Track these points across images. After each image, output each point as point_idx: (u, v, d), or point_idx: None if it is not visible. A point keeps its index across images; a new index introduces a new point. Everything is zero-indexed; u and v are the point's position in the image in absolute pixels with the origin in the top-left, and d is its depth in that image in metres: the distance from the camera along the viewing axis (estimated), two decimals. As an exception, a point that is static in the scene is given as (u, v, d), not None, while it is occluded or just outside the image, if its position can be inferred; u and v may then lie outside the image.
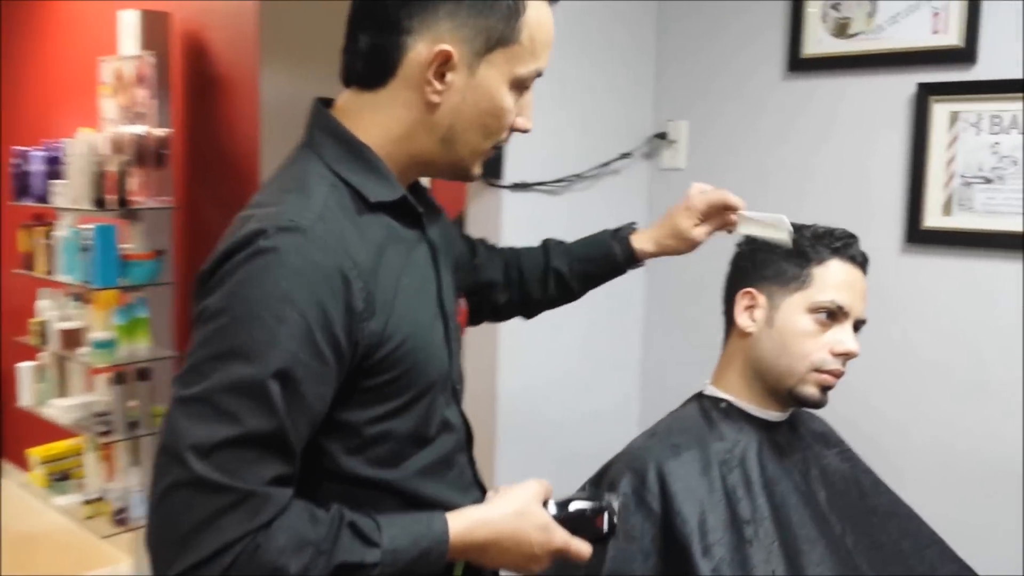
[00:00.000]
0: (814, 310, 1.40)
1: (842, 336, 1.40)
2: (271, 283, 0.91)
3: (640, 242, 1.47)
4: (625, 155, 2.41)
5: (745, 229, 1.42)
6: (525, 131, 1.12)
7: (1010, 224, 1.96)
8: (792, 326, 1.40)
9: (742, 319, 1.45)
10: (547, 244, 1.51)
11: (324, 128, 1.06)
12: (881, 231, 2.11)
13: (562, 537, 1.09)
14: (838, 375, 1.41)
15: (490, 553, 1.05)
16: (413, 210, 1.09)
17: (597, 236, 1.50)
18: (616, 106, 2.42)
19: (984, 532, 1.93)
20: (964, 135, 2.01)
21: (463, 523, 1.02)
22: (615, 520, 1.14)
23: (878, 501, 1.54)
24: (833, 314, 1.40)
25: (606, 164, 2.37)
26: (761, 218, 1.40)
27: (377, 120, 1.05)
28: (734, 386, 1.47)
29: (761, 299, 1.44)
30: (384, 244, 1.03)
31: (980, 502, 2.01)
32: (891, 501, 1.55)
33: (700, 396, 1.52)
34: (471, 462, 1.23)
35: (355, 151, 1.05)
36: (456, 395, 1.18)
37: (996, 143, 1.97)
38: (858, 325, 1.43)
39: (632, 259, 1.47)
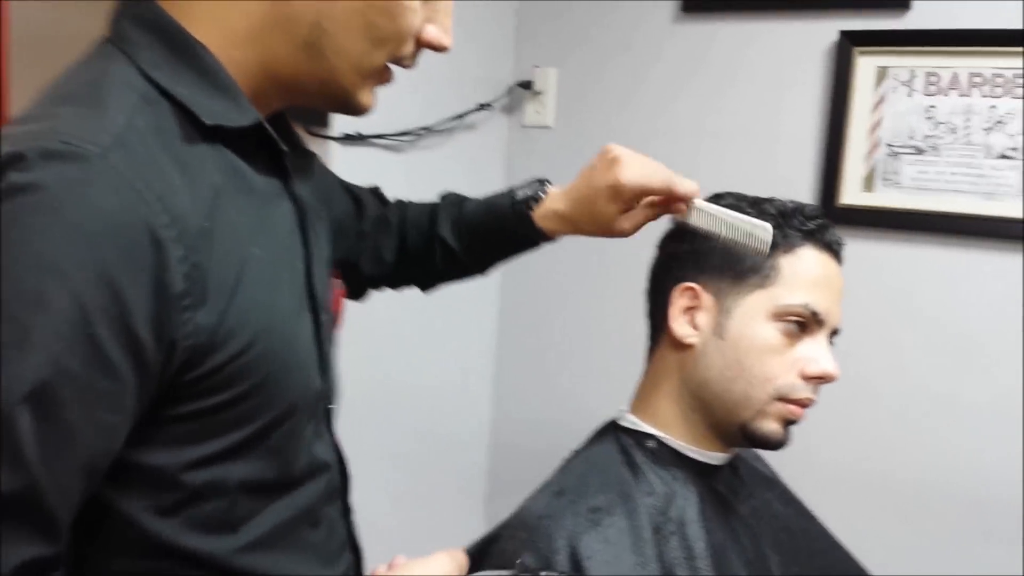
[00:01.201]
0: (780, 316, 1.01)
1: (816, 353, 1.02)
2: (24, 244, 0.61)
3: (547, 219, 1.06)
4: (483, 107, 1.96)
5: (700, 223, 1.00)
6: (440, 48, 0.80)
7: (944, 203, 1.65)
8: (750, 338, 1.01)
9: (680, 326, 1.04)
10: (437, 205, 1.14)
11: (139, 18, 0.74)
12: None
13: None
14: (807, 405, 1.03)
15: None
16: (273, 145, 0.77)
17: (496, 201, 1.10)
18: (472, 47, 1.95)
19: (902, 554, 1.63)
20: (893, 96, 1.68)
21: None
22: None
23: (827, 561, 1.18)
24: (805, 323, 1.01)
25: (460, 117, 1.91)
26: (728, 217, 0.98)
27: (215, 12, 0.73)
28: (665, 417, 1.06)
29: (707, 299, 1.03)
30: (223, 192, 0.73)
31: (908, 517, 1.71)
32: (840, 559, 1.20)
33: (616, 428, 1.10)
34: (346, 514, 0.92)
35: (185, 51, 0.73)
36: (329, 420, 0.88)
37: (931, 106, 1.65)
38: (832, 336, 1.05)
39: (540, 235, 1.07)
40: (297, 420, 0.79)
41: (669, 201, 0.99)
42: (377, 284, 1.17)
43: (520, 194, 1.07)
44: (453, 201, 1.13)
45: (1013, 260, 1.60)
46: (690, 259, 1.06)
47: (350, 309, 1.31)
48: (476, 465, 2.18)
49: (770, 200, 1.07)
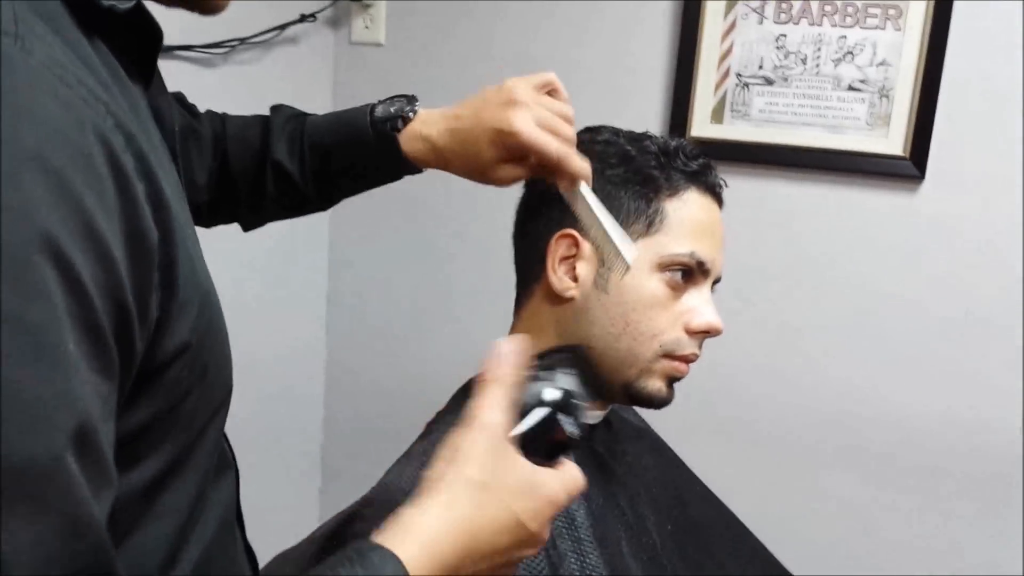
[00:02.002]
0: (666, 267, 0.91)
1: (700, 305, 0.93)
2: None
3: (414, 146, 0.90)
4: (305, 18, 1.74)
5: (576, 208, 0.87)
6: None
7: (792, 136, 1.61)
8: (636, 290, 0.91)
9: (559, 278, 0.93)
10: (269, 120, 0.94)
11: None
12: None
13: (553, 487, 0.64)
14: (692, 361, 0.94)
15: (467, 570, 0.59)
16: (154, 32, 0.60)
17: (350, 119, 0.93)
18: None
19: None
20: (743, 23, 1.61)
21: (414, 552, 0.56)
22: (578, 413, 0.69)
23: (698, 510, 1.12)
24: (690, 272, 0.92)
25: (279, 28, 1.69)
26: (605, 221, 0.84)
27: None
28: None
29: (586, 248, 0.92)
30: (133, 106, 0.55)
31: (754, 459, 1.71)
32: (708, 505, 1.15)
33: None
34: (240, 519, 0.75)
35: None
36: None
37: (782, 35, 1.60)
38: (714, 284, 0.97)
39: (404, 163, 0.92)
40: (218, 422, 0.64)
41: (555, 172, 0.85)
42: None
43: (382, 111, 0.90)
44: (291, 116, 0.94)
45: (858, 195, 1.59)
46: (561, 200, 0.94)
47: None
48: (311, 440, 2.02)
49: (650, 136, 0.97)
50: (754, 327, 1.67)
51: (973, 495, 1.59)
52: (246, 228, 1.01)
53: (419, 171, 0.93)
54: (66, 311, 0.42)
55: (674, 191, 0.92)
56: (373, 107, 0.92)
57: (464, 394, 1.01)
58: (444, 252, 1.86)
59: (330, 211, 1.88)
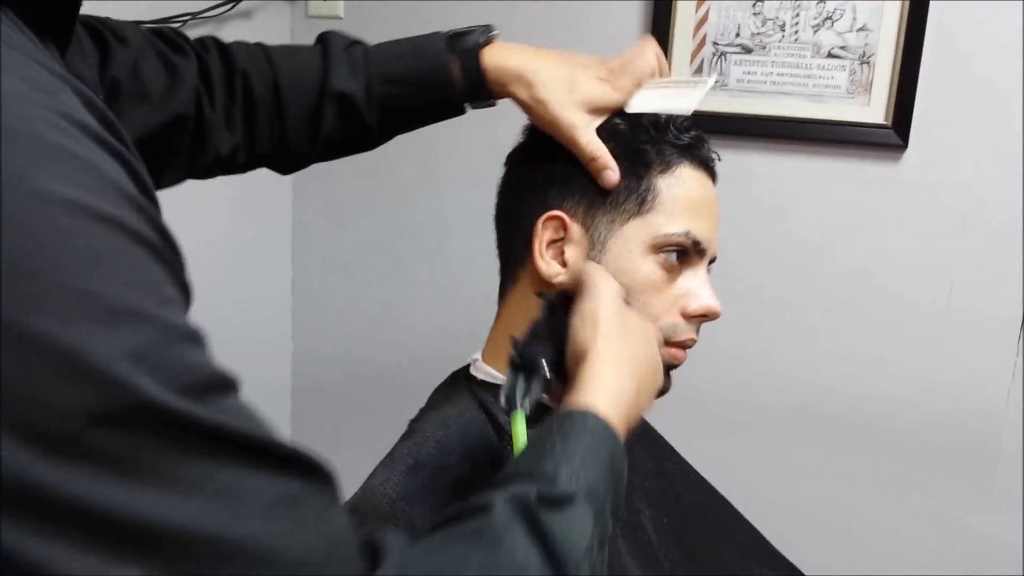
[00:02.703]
0: (660, 247, 0.85)
1: (697, 287, 0.88)
2: None
3: (497, 65, 0.87)
4: (260, -10, 1.66)
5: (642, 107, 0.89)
6: None
7: (771, 106, 1.56)
8: (630, 274, 0.85)
9: (546, 263, 0.87)
10: (326, 46, 0.86)
11: None
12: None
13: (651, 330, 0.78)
14: (690, 346, 0.89)
15: (640, 399, 0.72)
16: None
17: (419, 43, 0.87)
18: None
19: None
20: (720, -11, 1.56)
21: (601, 397, 0.67)
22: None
23: (690, 498, 1.08)
24: (685, 253, 0.87)
25: (233, 2, 1.61)
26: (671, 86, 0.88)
27: None
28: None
29: (575, 230, 0.86)
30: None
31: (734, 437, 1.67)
32: (701, 494, 1.10)
33: (470, 380, 0.92)
34: None
35: None
36: None
37: (759, 1, 1.54)
38: (710, 264, 0.92)
39: (480, 92, 0.87)
40: None
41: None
42: (209, 171, 0.85)
43: (463, 37, 0.86)
44: (351, 42, 0.86)
45: (839, 165, 1.55)
46: (553, 180, 0.88)
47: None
48: (279, 410, 1.95)
49: (639, 115, 0.91)
50: (735, 303, 1.62)
51: (957, 467, 1.56)
52: (285, 171, 0.92)
53: (494, 103, 0.89)
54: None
55: (666, 166, 0.87)
56: (446, 35, 0.86)
57: (446, 390, 0.95)
58: (414, 231, 1.79)
59: (293, 192, 1.82)
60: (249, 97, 0.78)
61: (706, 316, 0.88)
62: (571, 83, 0.86)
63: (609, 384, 0.67)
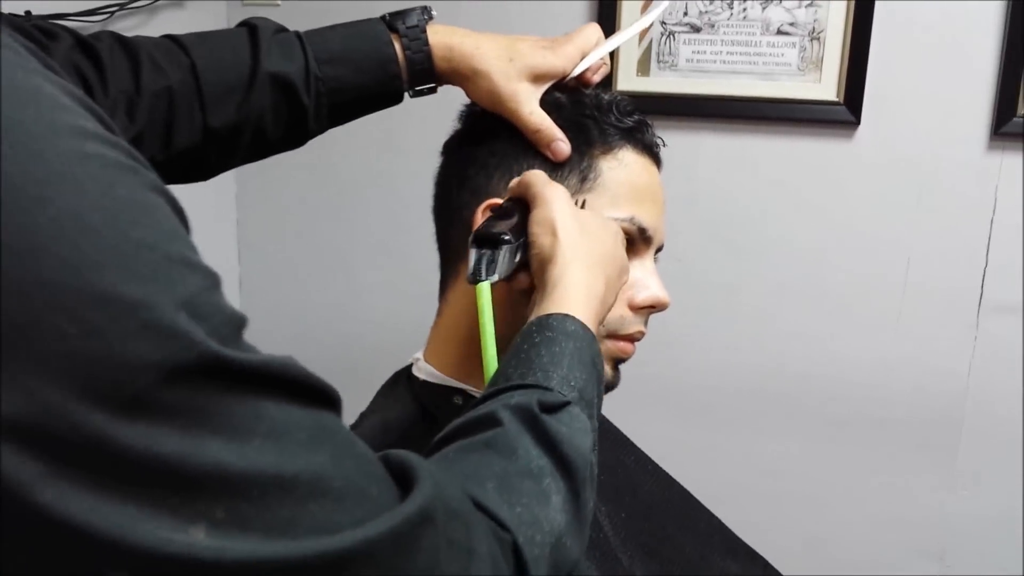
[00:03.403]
0: None
1: (644, 277, 0.84)
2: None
3: (441, 41, 0.83)
4: (192, -21, 1.60)
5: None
6: None
7: (721, 85, 1.53)
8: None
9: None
10: (255, 28, 0.79)
11: None
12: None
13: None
14: (638, 339, 0.86)
15: (608, 296, 0.72)
16: None
17: (358, 23, 0.83)
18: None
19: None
20: (666, -34, 1.52)
21: (575, 299, 0.67)
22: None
23: (648, 490, 1.05)
24: (631, 241, 0.83)
25: (163, -9, 1.55)
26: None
27: None
28: (470, 365, 0.85)
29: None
30: None
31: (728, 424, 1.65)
32: (659, 484, 1.07)
33: (411, 381, 0.88)
34: None
35: None
36: None
37: (706, -21, 1.51)
38: (656, 253, 0.88)
39: (423, 71, 0.83)
40: None
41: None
42: None
43: (400, 19, 0.82)
44: (279, 27, 0.80)
45: (792, 144, 1.52)
46: (492, 165, 0.83)
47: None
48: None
49: (583, 91, 0.87)
50: (689, 287, 1.60)
51: (919, 445, 1.55)
52: (207, 173, 0.82)
53: (434, 90, 0.85)
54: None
55: (608, 148, 0.83)
56: (386, 18, 0.82)
57: (387, 391, 0.91)
58: (361, 227, 1.74)
59: (237, 188, 1.76)
60: (159, 84, 0.73)
61: (654, 307, 0.84)
62: (511, 52, 0.82)
63: (580, 285, 0.68)
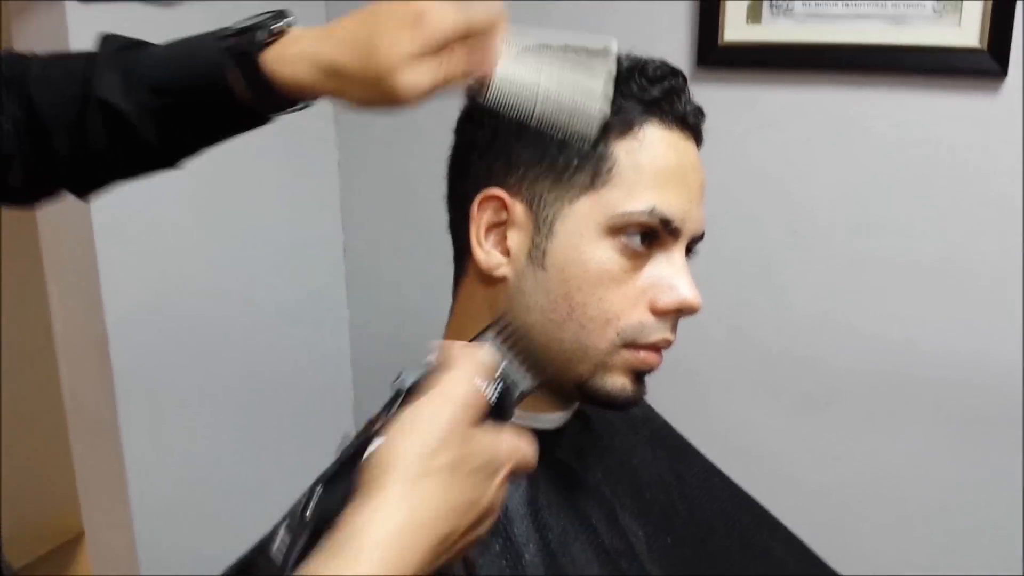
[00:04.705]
0: (619, 230, 0.71)
1: (670, 276, 0.73)
2: None
3: (292, 67, 0.67)
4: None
5: (501, 92, 0.67)
6: None
7: (844, 32, 1.34)
8: (581, 264, 0.71)
9: (485, 252, 0.74)
10: (94, 55, 0.72)
11: None
12: (660, 51, 1.44)
13: (503, 455, 0.56)
14: (664, 348, 0.74)
15: (442, 558, 0.54)
16: None
17: (193, 46, 0.71)
18: None
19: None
20: (781, -102, 1.35)
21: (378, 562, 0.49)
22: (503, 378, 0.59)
23: (711, 509, 0.94)
24: (654, 234, 0.72)
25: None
26: (548, 74, 0.66)
27: None
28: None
29: (518, 211, 0.73)
30: None
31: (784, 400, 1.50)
32: (722, 499, 0.96)
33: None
34: None
35: None
36: None
37: (827, -90, 1.32)
38: (693, 245, 0.76)
39: (274, 94, 0.68)
40: None
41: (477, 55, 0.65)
42: None
43: (238, 30, 0.69)
44: (126, 45, 0.73)
45: (928, 98, 1.32)
46: (492, 150, 0.74)
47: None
48: (341, 384, 1.90)
49: (603, 52, 0.75)
50: (809, 260, 1.44)
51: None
52: (79, 193, 0.78)
53: (298, 105, 0.71)
54: None
55: (626, 128, 0.71)
56: (226, 29, 0.71)
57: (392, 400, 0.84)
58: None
59: (340, 160, 1.74)
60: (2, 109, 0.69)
61: (681, 312, 0.73)
62: (369, 52, 0.65)
63: (379, 555, 0.49)
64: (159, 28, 1.37)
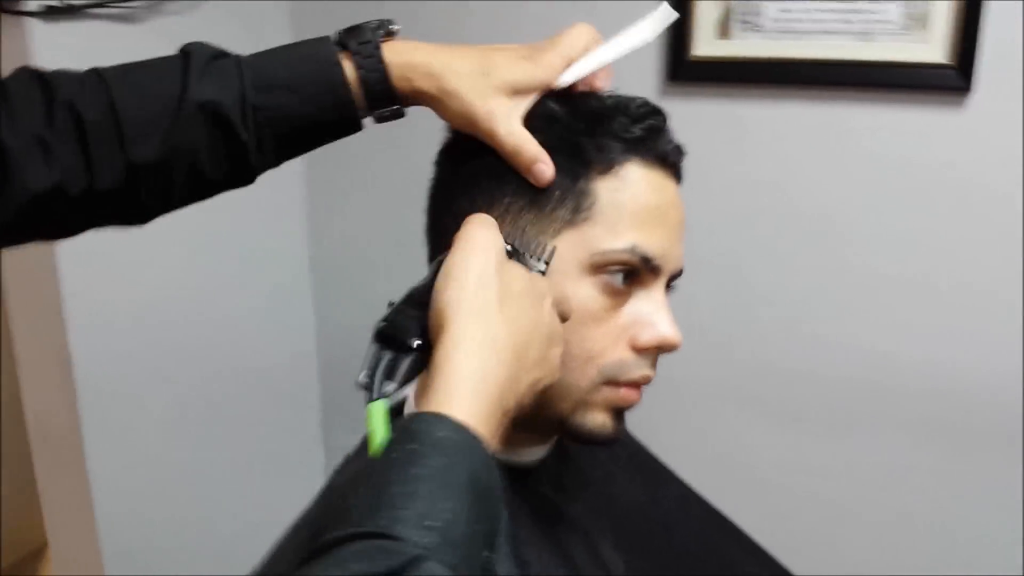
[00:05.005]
0: (600, 268, 0.71)
1: (651, 313, 0.73)
2: None
3: (401, 60, 0.71)
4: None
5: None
6: None
7: (813, 48, 1.35)
8: (561, 302, 0.71)
9: None
10: (188, 54, 0.70)
11: None
12: (631, 66, 1.44)
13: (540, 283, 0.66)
14: (644, 383, 0.74)
15: (518, 384, 0.59)
16: None
17: (303, 44, 0.72)
18: None
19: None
20: (749, -85, 1.35)
21: (458, 391, 0.54)
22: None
23: (686, 532, 0.94)
24: (634, 272, 0.72)
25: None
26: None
27: None
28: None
29: None
30: None
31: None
32: (698, 522, 0.96)
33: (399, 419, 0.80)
34: None
35: None
36: None
37: (794, -74, 1.33)
38: (671, 281, 0.76)
39: (381, 94, 0.72)
40: None
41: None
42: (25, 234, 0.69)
43: (352, 37, 0.71)
44: (216, 52, 0.71)
45: (894, 113, 1.34)
46: (475, 185, 0.73)
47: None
48: (308, 388, 1.88)
49: (594, 95, 0.75)
50: (779, 277, 1.46)
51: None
52: (143, 218, 0.74)
53: (402, 113, 0.74)
54: None
55: (607, 166, 0.71)
56: (335, 35, 0.72)
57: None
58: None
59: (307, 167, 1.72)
60: (77, 123, 0.66)
61: (661, 349, 0.73)
62: (485, 66, 0.71)
63: (467, 372, 0.55)
64: (123, 45, 1.36)
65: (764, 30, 1.37)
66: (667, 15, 0.79)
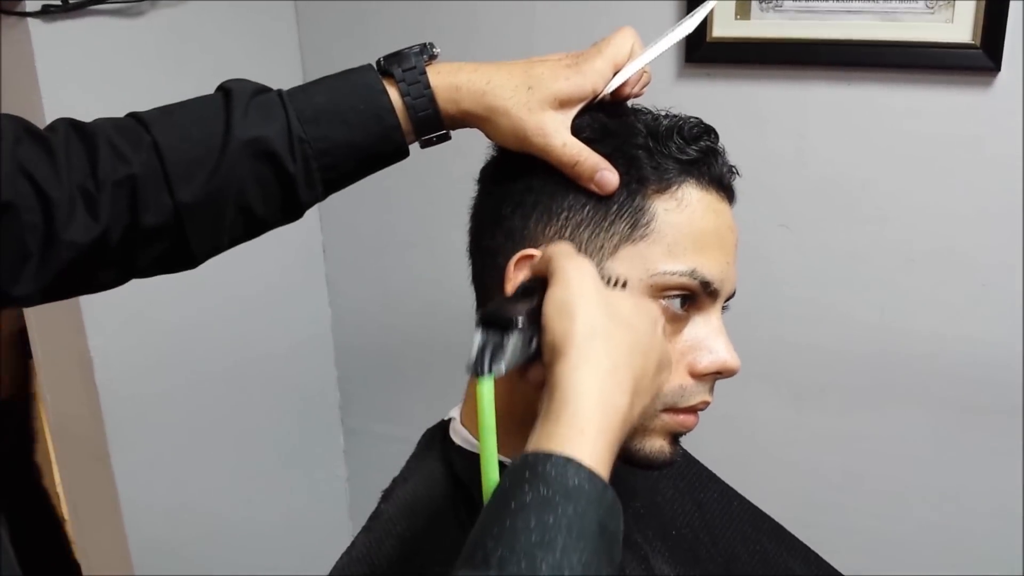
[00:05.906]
0: (660, 291, 0.69)
1: (709, 338, 0.72)
2: None
3: (446, 82, 0.72)
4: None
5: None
6: None
7: (835, 28, 1.33)
8: None
9: None
10: (228, 92, 0.70)
11: None
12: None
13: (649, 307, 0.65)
14: (702, 409, 0.74)
15: (633, 410, 0.58)
16: None
17: (345, 74, 0.73)
18: None
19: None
20: None
21: (584, 429, 0.53)
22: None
23: (732, 536, 0.94)
24: (692, 296, 0.70)
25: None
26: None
27: None
28: (507, 435, 0.75)
29: None
30: None
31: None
32: (743, 524, 0.96)
33: (446, 444, 0.79)
34: None
35: None
36: None
37: (816, -96, 1.30)
38: (725, 303, 0.75)
39: (427, 119, 0.72)
40: None
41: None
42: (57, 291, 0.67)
43: (396, 63, 0.71)
44: (254, 90, 0.70)
45: (919, 95, 1.32)
46: (528, 204, 0.72)
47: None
48: (325, 373, 1.87)
49: (636, 110, 0.74)
50: (798, 258, 1.44)
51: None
52: (194, 262, 0.73)
53: (446, 134, 0.75)
54: None
55: (664, 186, 0.70)
56: (377, 61, 0.72)
57: (424, 450, 0.82)
58: (444, 194, 1.65)
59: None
60: (120, 173, 0.64)
61: (720, 374, 0.72)
62: (529, 79, 0.70)
63: (592, 398, 0.54)
64: (123, 41, 1.33)
65: (785, 10, 1.35)
66: (708, 7, 0.78)
